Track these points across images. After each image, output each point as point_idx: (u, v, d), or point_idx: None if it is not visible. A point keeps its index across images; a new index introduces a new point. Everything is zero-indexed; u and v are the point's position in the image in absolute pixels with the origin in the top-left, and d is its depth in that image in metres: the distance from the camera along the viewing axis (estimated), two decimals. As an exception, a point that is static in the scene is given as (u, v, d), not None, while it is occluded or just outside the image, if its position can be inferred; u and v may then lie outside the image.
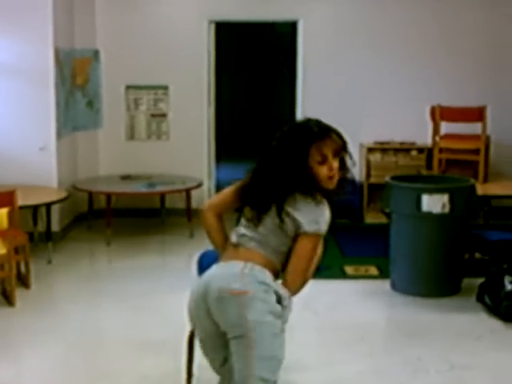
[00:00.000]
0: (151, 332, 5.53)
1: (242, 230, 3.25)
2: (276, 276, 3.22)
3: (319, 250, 3.26)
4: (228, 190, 3.37)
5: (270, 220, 3.16)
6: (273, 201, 3.13)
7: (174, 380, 4.57)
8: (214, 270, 3.22)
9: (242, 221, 3.28)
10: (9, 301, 6.07)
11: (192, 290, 3.27)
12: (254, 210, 3.20)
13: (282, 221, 3.11)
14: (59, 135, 8.02)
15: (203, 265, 4.49)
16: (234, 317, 3.05)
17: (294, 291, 3.19)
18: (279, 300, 3.11)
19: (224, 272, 3.16)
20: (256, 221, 3.18)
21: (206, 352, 3.35)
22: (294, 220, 3.11)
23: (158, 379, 4.73)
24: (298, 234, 3.13)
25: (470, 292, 6.24)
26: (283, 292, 3.13)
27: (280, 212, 3.11)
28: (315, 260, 3.23)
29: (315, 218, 3.10)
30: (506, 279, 5.77)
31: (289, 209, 3.11)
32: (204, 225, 3.43)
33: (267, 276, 3.13)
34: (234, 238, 3.27)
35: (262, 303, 3.05)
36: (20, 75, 7.77)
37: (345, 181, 3.21)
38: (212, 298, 3.11)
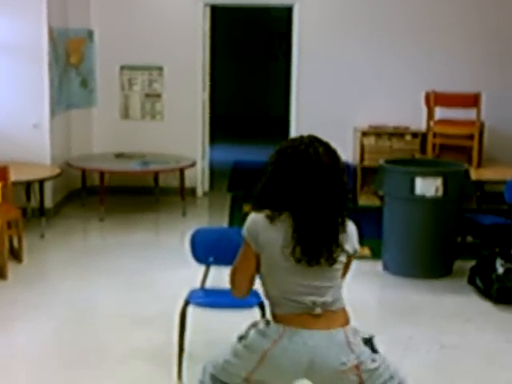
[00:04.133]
0: (143, 307, 5.54)
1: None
2: None
3: None
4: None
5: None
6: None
7: (166, 353, 4.60)
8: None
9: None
10: (1, 274, 6.07)
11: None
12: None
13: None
14: (53, 113, 7.99)
15: (196, 242, 4.53)
16: None
17: None
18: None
19: None
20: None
21: None
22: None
23: (150, 352, 4.74)
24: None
25: (462, 274, 6.28)
26: None
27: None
28: None
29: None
30: (498, 262, 5.80)
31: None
32: None
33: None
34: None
35: None
36: (14, 53, 7.73)
37: None
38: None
